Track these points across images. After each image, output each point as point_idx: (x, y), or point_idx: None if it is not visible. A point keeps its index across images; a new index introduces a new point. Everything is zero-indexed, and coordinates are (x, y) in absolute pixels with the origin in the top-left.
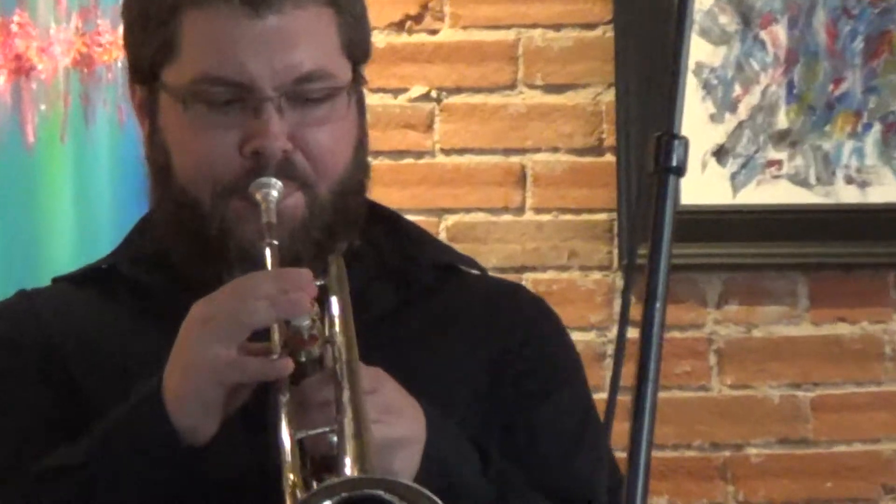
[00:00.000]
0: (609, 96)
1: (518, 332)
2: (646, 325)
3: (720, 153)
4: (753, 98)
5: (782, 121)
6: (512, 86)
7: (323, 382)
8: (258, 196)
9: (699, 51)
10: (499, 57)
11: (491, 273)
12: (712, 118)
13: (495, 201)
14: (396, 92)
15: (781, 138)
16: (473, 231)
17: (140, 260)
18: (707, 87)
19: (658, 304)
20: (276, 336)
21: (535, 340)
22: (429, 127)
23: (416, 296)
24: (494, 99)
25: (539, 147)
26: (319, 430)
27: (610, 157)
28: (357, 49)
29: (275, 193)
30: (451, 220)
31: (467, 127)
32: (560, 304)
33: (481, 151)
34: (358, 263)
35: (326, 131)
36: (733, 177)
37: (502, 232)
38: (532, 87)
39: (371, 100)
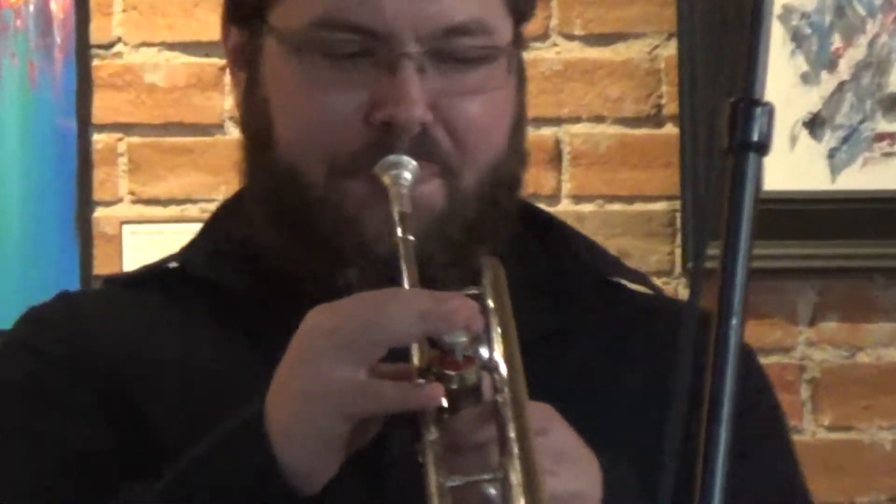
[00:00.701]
0: (669, 49)
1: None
2: (718, 348)
3: (815, 124)
4: (858, 52)
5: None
6: (543, 35)
7: (481, 418)
8: (386, 179)
9: None
10: None
11: None
12: (804, 79)
13: (523, 186)
14: None
15: (895, 104)
16: None
17: (220, 256)
18: (797, 37)
19: (734, 321)
20: (416, 356)
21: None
22: None
23: (576, 317)
24: None
25: (579, 116)
26: (475, 478)
27: (671, 129)
28: (521, 2)
29: (407, 176)
30: None
31: None
32: None
33: None
34: (506, 273)
35: (479, 103)
36: (832, 155)
37: None
38: (569, 37)
39: None
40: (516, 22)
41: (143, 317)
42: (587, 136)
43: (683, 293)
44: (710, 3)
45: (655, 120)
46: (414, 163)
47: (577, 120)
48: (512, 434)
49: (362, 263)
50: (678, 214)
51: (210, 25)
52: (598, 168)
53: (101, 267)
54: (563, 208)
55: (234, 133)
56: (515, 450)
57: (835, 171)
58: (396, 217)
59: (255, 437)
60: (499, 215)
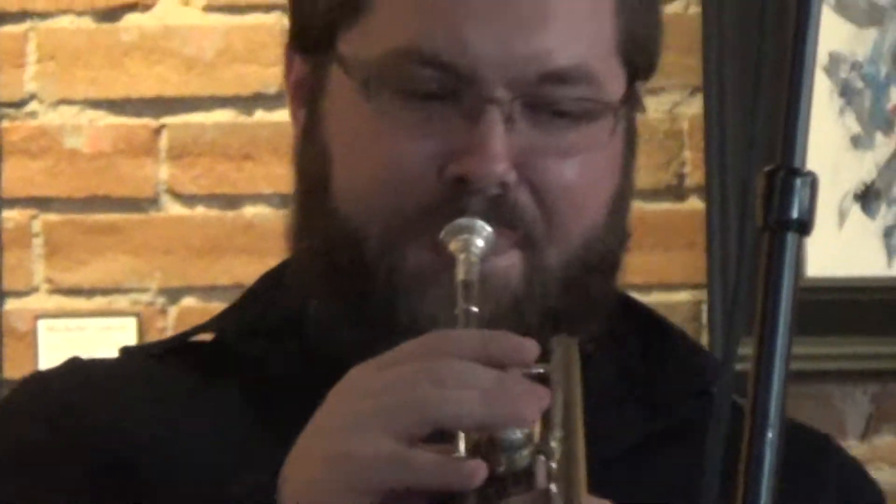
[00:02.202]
0: (693, 107)
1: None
2: (751, 469)
3: (867, 197)
4: None
5: None
6: None
7: None
8: (454, 245)
9: (834, 35)
10: None
11: None
12: (855, 142)
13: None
14: None
15: None
16: None
17: (260, 329)
18: (847, 91)
19: (770, 435)
20: (461, 443)
21: None
22: None
23: (672, 429)
24: None
25: None
26: None
27: (696, 203)
28: (639, 51)
29: (479, 243)
30: None
31: None
32: None
33: None
34: (594, 373)
35: (575, 165)
36: (888, 233)
37: None
38: None
39: None
40: (631, 77)
41: (161, 393)
42: None
43: None
44: (742, 52)
45: (677, 192)
46: (489, 229)
47: None
48: None
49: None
50: (704, 306)
51: (142, 79)
52: None
53: (12, 370)
54: None
55: (171, 209)
56: None
57: (892, 253)
58: (460, 286)
59: None
60: (588, 304)
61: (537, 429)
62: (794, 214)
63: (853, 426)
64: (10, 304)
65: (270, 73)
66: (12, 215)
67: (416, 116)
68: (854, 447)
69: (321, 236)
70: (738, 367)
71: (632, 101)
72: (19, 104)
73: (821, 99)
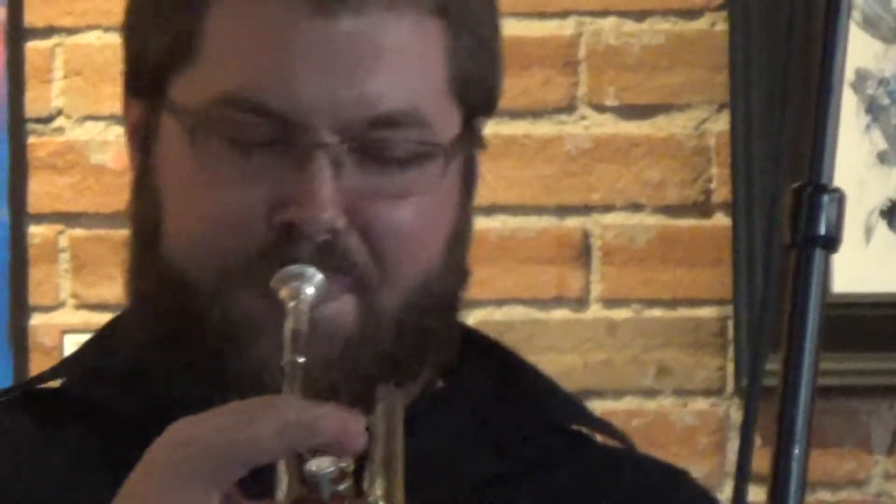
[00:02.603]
0: (720, 124)
1: None
2: (778, 482)
3: (894, 213)
4: None
5: None
6: (569, 107)
7: None
8: (284, 292)
9: (862, 52)
10: (549, 61)
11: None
12: (882, 159)
13: (543, 288)
14: None
15: None
16: (510, 333)
17: (105, 375)
18: (874, 108)
19: (796, 450)
20: (283, 486)
21: None
22: None
23: (521, 468)
24: (542, 128)
25: (612, 203)
26: None
27: (722, 220)
28: (474, 90)
29: (309, 291)
30: (475, 315)
31: (500, 171)
32: (645, 449)
33: (521, 210)
34: (442, 411)
35: (406, 208)
36: None
37: (554, 336)
38: (600, 108)
39: None
40: (468, 116)
41: (7, 442)
42: (621, 227)
43: (736, 416)
44: (769, 69)
45: (703, 208)
46: (320, 276)
47: (610, 208)
48: None
49: (251, 393)
50: (730, 322)
51: None
52: (635, 266)
53: None
54: (593, 314)
55: None
56: None
57: None
58: (288, 336)
59: None
60: (425, 346)
61: (352, 470)
62: (822, 231)
63: (879, 441)
64: (37, 319)
65: None
66: (39, 231)
67: (243, 164)
68: (881, 462)
69: (151, 284)
70: (766, 383)
71: (469, 140)
72: (46, 120)
73: (847, 115)
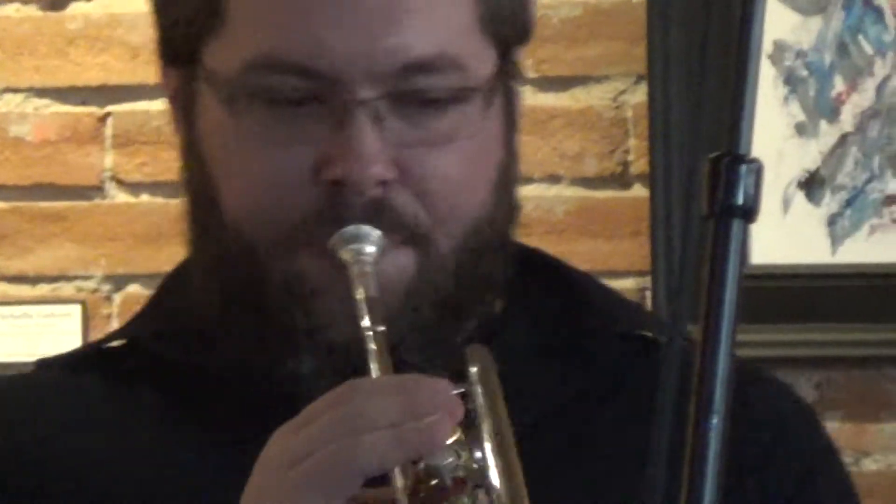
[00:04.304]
0: (638, 95)
1: (763, 434)
2: (696, 452)
3: (812, 185)
4: (864, 98)
5: None
6: None
7: None
8: (345, 254)
9: (780, 24)
10: None
11: None
12: (800, 130)
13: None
14: None
15: None
16: None
17: (172, 333)
18: (791, 80)
19: (715, 421)
20: (398, 480)
21: (788, 452)
22: None
23: (599, 380)
24: None
25: (529, 175)
26: None
27: (640, 191)
28: (506, 24)
29: (370, 250)
30: None
31: None
32: None
33: None
34: (506, 337)
35: (451, 152)
36: (832, 221)
37: None
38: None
39: None
40: (502, 49)
41: (79, 405)
42: (539, 199)
43: None
44: (687, 41)
45: (621, 180)
46: (377, 232)
47: (528, 180)
48: None
49: (317, 352)
50: (648, 293)
51: (88, 67)
52: (553, 237)
53: None
54: None
55: (116, 196)
56: None
57: (836, 241)
58: (364, 304)
59: None
60: (486, 284)
61: (465, 454)
62: (739, 201)
63: None
64: None
65: None
66: None
67: (284, 126)
68: None
69: (212, 251)
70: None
71: (507, 74)
72: None
73: (766, 87)
